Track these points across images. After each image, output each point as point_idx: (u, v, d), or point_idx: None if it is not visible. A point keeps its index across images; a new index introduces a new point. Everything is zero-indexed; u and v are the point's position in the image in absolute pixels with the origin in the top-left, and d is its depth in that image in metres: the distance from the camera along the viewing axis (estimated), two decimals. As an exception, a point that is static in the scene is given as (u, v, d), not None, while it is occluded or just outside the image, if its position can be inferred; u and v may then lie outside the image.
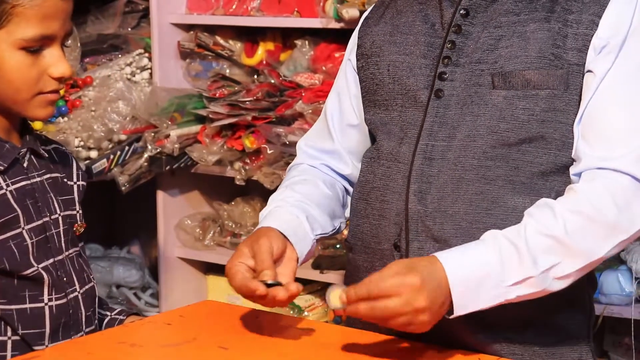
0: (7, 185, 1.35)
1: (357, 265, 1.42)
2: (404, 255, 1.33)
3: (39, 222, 1.37)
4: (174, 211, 2.82)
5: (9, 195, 1.34)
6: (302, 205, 1.41)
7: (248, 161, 2.60)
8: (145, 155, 2.67)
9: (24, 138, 1.40)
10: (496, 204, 1.30)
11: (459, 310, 1.21)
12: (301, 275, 2.55)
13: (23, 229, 1.35)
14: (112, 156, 2.64)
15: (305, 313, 2.59)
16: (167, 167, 2.70)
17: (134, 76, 2.76)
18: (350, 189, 1.52)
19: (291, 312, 2.60)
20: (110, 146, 2.67)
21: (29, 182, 1.37)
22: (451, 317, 1.22)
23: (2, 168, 1.34)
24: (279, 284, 1.28)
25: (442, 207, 1.31)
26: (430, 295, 1.18)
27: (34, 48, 1.31)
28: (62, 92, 2.59)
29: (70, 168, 1.48)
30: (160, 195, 2.81)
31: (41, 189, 1.39)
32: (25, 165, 1.38)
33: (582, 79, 1.31)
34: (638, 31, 1.29)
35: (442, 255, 1.22)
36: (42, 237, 1.37)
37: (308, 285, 2.63)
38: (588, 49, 1.29)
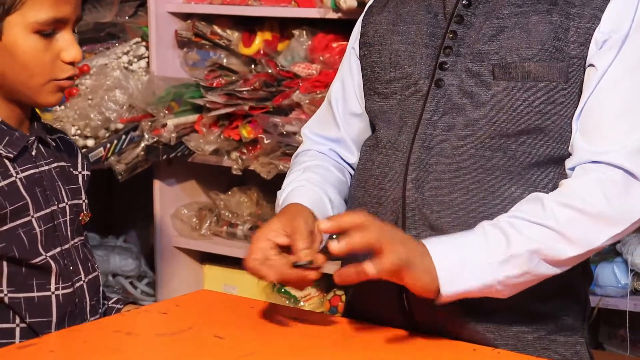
0: (17, 173, 1.35)
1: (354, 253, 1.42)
2: None
3: (48, 210, 1.38)
4: (171, 200, 2.83)
5: (19, 183, 1.35)
6: (324, 187, 1.42)
7: (245, 151, 2.60)
8: (142, 144, 2.67)
9: (32, 126, 1.40)
10: (493, 194, 1.31)
11: (446, 288, 1.20)
12: (297, 265, 2.57)
13: (32, 217, 1.35)
14: (108, 145, 2.64)
15: (301, 303, 2.60)
16: (164, 156, 2.70)
17: (131, 65, 2.76)
18: None
19: (287, 302, 2.60)
20: (107, 135, 2.67)
21: (37, 170, 1.38)
22: (440, 300, 1.21)
23: (11, 156, 1.34)
24: (310, 263, 1.27)
25: (439, 195, 1.31)
26: (409, 243, 1.21)
27: (47, 32, 1.31)
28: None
29: (75, 157, 1.49)
30: (157, 184, 2.81)
31: (49, 178, 1.39)
32: (33, 153, 1.38)
33: (583, 73, 1.31)
34: (639, 26, 1.29)
35: (426, 240, 1.23)
36: (50, 225, 1.38)
37: (304, 275, 2.63)
38: (590, 42, 1.29)
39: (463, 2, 1.36)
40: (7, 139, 1.34)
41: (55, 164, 1.42)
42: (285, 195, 1.41)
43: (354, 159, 1.50)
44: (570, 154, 1.32)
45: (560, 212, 1.24)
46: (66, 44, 1.33)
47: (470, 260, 1.21)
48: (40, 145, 1.40)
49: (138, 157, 2.68)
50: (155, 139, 2.65)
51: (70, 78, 1.36)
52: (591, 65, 1.30)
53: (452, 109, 1.33)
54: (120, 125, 2.67)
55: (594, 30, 1.29)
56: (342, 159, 1.51)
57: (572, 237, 1.24)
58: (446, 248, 1.22)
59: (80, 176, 1.48)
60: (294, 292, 2.61)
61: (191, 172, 2.85)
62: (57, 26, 1.32)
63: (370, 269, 1.18)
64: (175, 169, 2.82)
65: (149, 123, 2.65)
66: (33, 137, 1.38)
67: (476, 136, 1.31)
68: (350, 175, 1.51)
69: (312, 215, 1.35)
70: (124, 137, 2.66)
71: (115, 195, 3.21)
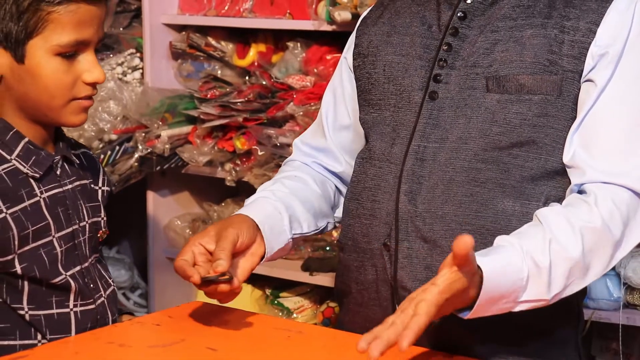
0: (41, 193, 1.37)
1: (347, 265, 1.43)
2: (393, 254, 1.33)
3: (69, 230, 1.39)
4: (164, 211, 2.82)
5: (42, 203, 1.36)
6: (288, 201, 1.42)
7: (239, 162, 2.60)
8: (136, 155, 2.67)
9: (57, 145, 1.42)
10: (486, 207, 1.31)
11: (475, 313, 1.18)
12: (290, 277, 2.56)
13: (54, 237, 1.37)
14: (102, 156, 2.64)
15: (294, 315, 2.59)
16: (158, 168, 2.69)
17: (125, 76, 2.76)
18: (343, 188, 1.53)
19: (280, 314, 2.60)
20: (100, 146, 2.66)
21: (61, 189, 1.39)
22: (466, 317, 1.18)
23: (37, 176, 1.36)
24: (222, 277, 1.25)
25: (432, 207, 1.31)
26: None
27: (69, 53, 1.32)
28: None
29: (97, 173, 1.50)
30: (151, 195, 2.80)
31: (72, 197, 1.41)
32: (58, 172, 1.40)
33: (577, 86, 1.31)
34: (636, 40, 1.30)
35: (482, 261, 1.17)
36: (71, 244, 1.40)
37: (297, 287, 2.63)
38: (585, 56, 1.29)
39: (458, 14, 1.36)
40: (33, 158, 1.36)
41: (77, 182, 1.43)
42: (248, 203, 1.41)
43: (341, 167, 1.51)
44: (563, 166, 1.32)
45: (587, 237, 1.23)
46: (89, 65, 1.34)
47: (506, 296, 1.19)
48: (64, 164, 1.41)
49: (132, 168, 2.68)
50: (149, 150, 2.65)
51: (89, 97, 1.36)
52: (589, 80, 1.30)
53: (445, 122, 1.33)
54: (114, 136, 2.67)
55: (590, 44, 1.29)
56: (328, 169, 1.52)
57: (593, 270, 1.25)
58: (498, 282, 1.18)
59: (100, 192, 1.49)
60: (287, 304, 2.60)
61: (185, 183, 2.85)
62: (79, 48, 1.33)
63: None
64: (168, 180, 2.81)
65: (143, 134, 2.65)
66: (58, 157, 1.40)
67: (469, 149, 1.32)
68: (335, 186, 1.52)
69: (253, 229, 1.33)
70: (117, 148, 2.66)
71: (109, 206, 3.20)
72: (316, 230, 1.46)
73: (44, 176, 1.37)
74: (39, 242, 1.35)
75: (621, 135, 1.28)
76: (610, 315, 2.21)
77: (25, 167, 1.35)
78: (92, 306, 1.40)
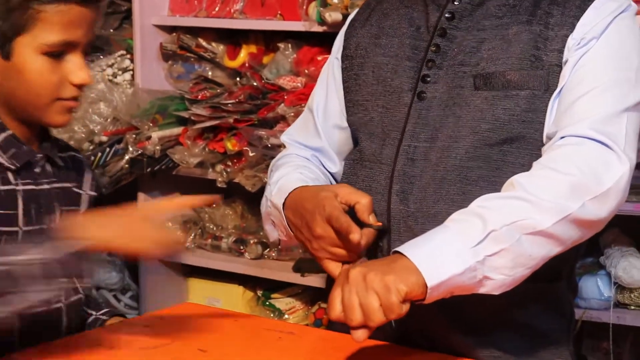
0: (17, 185, 1.36)
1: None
2: (385, 255, 1.33)
3: (37, 227, 1.37)
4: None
5: (17, 194, 1.35)
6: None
7: (230, 164, 2.60)
8: (126, 157, 2.66)
9: (42, 145, 1.41)
10: None
11: (431, 281, 1.14)
12: (282, 278, 2.56)
13: (20, 229, 1.35)
14: (92, 157, 2.63)
15: (286, 316, 2.59)
16: (148, 169, 2.69)
17: (116, 77, 2.75)
18: None
19: (271, 315, 2.60)
20: (91, 147, 2.66)
21: (36, 187, 1.38)
22: (431, 297, 1.16)
23: (13, 167, 1.35)
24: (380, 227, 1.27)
25: (424, 207, 1.32)
26: (372, 265, 1.16)
27: (56, 53, 1.32)
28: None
29: (82, 177, 1.49)
30: (141, 197, 2.80)
31: (47, 197, 1.40)
32: (37, 170, 1.39)
33: None
34: (613, 27, 1.31)
35: (399, 247, 1.18)
36: None
37: (289, 289, 2.63)
38: (564, 48, 1.30)
39: (446, 15, 1.37)
40: (13, 151, 1.35)
41: (58, 184, 1.42)
42: (283, 182, 1.38)
43: (335, 168, 1.50)
44: None
45: (528, 182, 1.22)
46: (75, 66, 1.33)
47: (447, 247, 1.16)
48: (47, 164, 1.41)
49: (122, 170, 2.67)
50: (139, 152, 2.64)
51: (75, 99, 1.36)
52: (566, 61, 1.30)
53: (434, 121, 1.34)
54: (104, 138, 2.66)
55: (569, 37, 1.30)
56: (324, 167, 1.51)
57: (543, 204, 1.19)
58: (418, 244, 1.18)
59: (84, 196, 1.47)
60: (278, 305, 2.60)
61: (176, 184, 2.84)
62: (67, 49, 1.33)
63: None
64: (159, 181, 2.81)
65: (134, 136, 2.64)
66: (40, 155, 1.39)
67: (460, 147, 1.32)
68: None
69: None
70: (108, 149, 2.65)
71: (99, 207, 3.19)
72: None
73: (21, 170, 1.36)
74: (3, 229, 1.33)
75: (580, 99, 1.27)
76: (601, 314, 2.21)
77: (2, 157, 1.35)
78: (46, 309, 1.35)
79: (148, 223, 1.22)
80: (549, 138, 1.29)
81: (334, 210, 1.26)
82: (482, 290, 1.19)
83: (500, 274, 1.19)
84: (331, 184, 1.49)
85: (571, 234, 1.22)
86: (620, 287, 2.23)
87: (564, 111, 1.29)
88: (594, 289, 2.23)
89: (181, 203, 1.32)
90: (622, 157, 1.24)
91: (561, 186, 1.21)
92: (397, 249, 1.18)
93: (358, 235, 1.24)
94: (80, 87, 1.35)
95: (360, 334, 1.14)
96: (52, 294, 1.18)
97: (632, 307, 2.23)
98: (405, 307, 1.14)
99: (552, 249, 1.22)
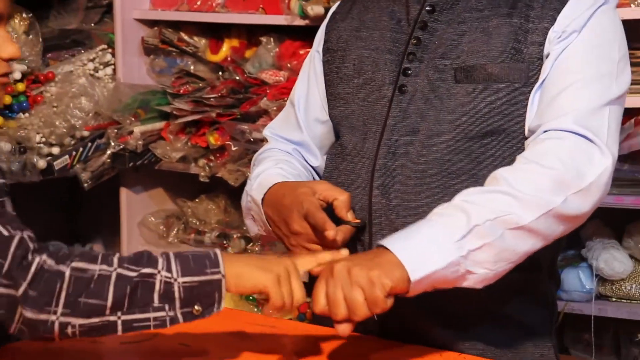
0: None
1: None
2: (366, 249, 1.34)
3: None
4: (138, 208, 2.81)
5: None
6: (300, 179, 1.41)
7: (212, 158, 2.59)
8: (108, 152, 2.65)
9: None
10: None
11: (415, 274, 1.14)
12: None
13: None
14: (74, 152, 2.62)
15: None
16: (131, 164, 2.68)
17: (97, 72, 2.74)
18: None
19: (255, 309, 2.59)
20: (72, 142, 2.64)
21: None
22: (414, 290, 1.16)
23: None
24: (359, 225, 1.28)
25: (405, 200, 1.32)
26: (355, 259, 1.17)
27: None
28: (23, 87, 2.57)
29: None
30: (124, 192, 2.79)
31: None
32: None
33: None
34: (594, 20, 1.31)
35: (382, 240, 1.19)
36: None
37: (272, 283, 2.63)
38: (545, 41, 1.31)
39: (427, 8, 1.37)
40: None
41: None
42: (263, 177, 1.39)
43: (317, 162, 1.50)
44: None
45: (512, 176, 1.22)
46: (1, 40, 1.25)
47: (431, 241, 1.16)
48: None
49: (104, 165, 2.66)
50: (121, 147, 2.63)
51: (6, 75, 1.31)
52: (548, 54, 1.30)
53: (416, 114, 1.34)
54: (86, 133, 2.65)
55: (550, 29, 1.30)
56: (306, 161, 1.51)
57: (526, 199, 1.19)
58: (402, 238, 1.18)
59: None
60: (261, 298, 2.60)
61: (158, 179, 2.84)
62: None
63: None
64: (142, 176, 2.80)
65: (115, 130, 2.63)
66: None
67: (441, 140, 1.32)
68: (314, 179, 1.51)
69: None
70: (89, 144, 2.64)
71: (82, 203, 3.18)
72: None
73: None
74: None
75: (562, 92, 1.27)
76: (583, 306, 2.22)
77: None
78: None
79: (295, 276, 1.19)
80: (532, 131, 1.30)
81: (310, 207, 1.27)
82: (465, 284, 1.20)
83: (482, 268, 1.19)
84: (313, 178, 1.49)
85: (554, 228, 1.23)
86: (601, 279, 2.25)
87: (546, 104, 1.29)
88: (576, 281, 2.24)
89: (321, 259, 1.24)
90: (604, 150, 1.24)
91: (544, 180, 1.21)
92: (381, 242, 1.18)
93: (333, 232, 1.25)
94: (8, 61, 1.30)
95: (344, 328, 1.14)
96: (170, 318, 1.13)
97: (614, 299, 2.25)
98: (390, 302, 1.14)
99: (535, 244, 1.22)
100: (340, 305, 1.13)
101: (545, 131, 1.26)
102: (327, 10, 2.32)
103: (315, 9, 2.34)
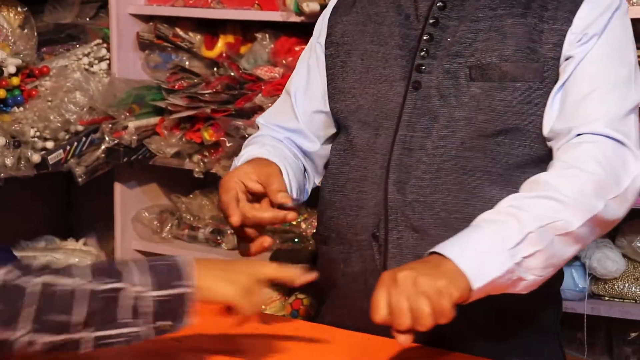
0: None
1: (332, 258, 1.42)
2: (382, 245, 1.33)
3: None
4: (132, 203, 2.80)
5: None
6: (283, 161, 1.40)
7: (207, 154, 2.59)
8: (103, 147, 2.65)
9: None
10: (474, 195, 1.32)
11: (477, 283, 1.13)
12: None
13: None
14: (68, 147, 2.61)
15: (263, 307, 2.59)
16: (125, 159, 2.68)
17: (92, 67, 2.73)
18: (310, 170, 1.51)
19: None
20: (67, 137, 2.64)
21: None
22: (471, 298, 1.15)
23: None
24: (296, 204, 1.28)
25: (421, 196, 1.32)
26: (411, 266, 1.14)
27: None
28: (17, 81, 2.56)
29: None
30: (118, 187, 2.78)
31: None
32: None
33: (557, 73, 1.33)
34: (613, 25, 1.32)
35: (437, 247, 1.17)
36: None
37: (266, 279, 2.63)
38: (563, 43, 1.32)
39: (438, 4, 1.37)
40: None
41: None
42: (246, 156, 1.39)
43: (314, 147, 1.49)
44: (547, 154, 1.32)
45: (557, 181, 1.22)
46: None
47: (487, 249, 1.15)
48: None
49: (98, 160, 2.66)
50: (116, 142, 2.63)
51: None
52: (569, 57, 1.31)
53: (430, 111, 1.34)
54: (80, 128, 2.64)
55: (567, 31, 1.31)
56: (301, 148, 1.50)
57: (572, 204, 1.20)
58: (458, 245, 1.16)
59: None
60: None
61: (152, 175, 2.83)
62: None
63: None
64: (136, 171, 2.80)
65: (110, 125, 2.63)
66: None
67: (456, 137, 1.33)
68: (305, 168, 1.50)
69: (281, 172, 1.35)
70: (84, 139, 2.64)
71: (76, 198, 3.18)
72: (297, 201, 1.43)
73: None
74: None
75: (593, 95, 1.29)
76: (576, 305, 2.23)
77: None
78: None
79: (260, 285, 1.15)
80: (556, 133, 1.30)
81: (225, 194, 1.30)
82: (515, 290, 1.20)
83: (532, 275, 1.19)
84: (304, 165, 1.49)
85: (593, 233, 1.25)
86: (594, 278, 2.25)
87: (573, 108, 1.29)
88: (569, 280, 2.25)
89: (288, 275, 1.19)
90: (637, 154, 1.27)
91: (587, 185, 1.22)
92: (436, 249, 1.16)
93: (235, 219, 1.28)
94: None
95: (406, 338, 1.11)
96: (142, 333, 1.10)
97: (606, 298, 2.26)
98: (454, 312, 1.12)
99: (577, 249, 1.24)
100: (405, 315, 1.10)
101: (578, 134, 1.27)
102: (322, 6, 2.32)
103: (310, 6, 2.34)
